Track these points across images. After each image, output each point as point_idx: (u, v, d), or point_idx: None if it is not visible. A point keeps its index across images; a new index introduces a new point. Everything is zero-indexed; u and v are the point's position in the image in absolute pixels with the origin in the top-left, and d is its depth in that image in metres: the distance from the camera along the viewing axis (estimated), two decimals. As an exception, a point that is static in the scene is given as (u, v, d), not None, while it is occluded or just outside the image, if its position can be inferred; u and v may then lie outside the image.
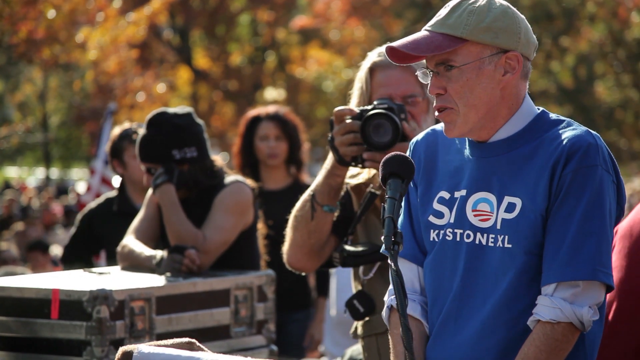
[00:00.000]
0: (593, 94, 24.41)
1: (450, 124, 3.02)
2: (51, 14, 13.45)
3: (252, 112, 6.71)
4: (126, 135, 6.19)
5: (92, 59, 16.10)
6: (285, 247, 4.08)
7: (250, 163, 6.52)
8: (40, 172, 38.74)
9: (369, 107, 3.92)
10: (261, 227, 5.52)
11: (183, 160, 4.99)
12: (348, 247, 3.96)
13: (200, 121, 5.10)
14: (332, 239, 4.04)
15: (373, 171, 3.99)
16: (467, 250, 3.01)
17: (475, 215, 3.01)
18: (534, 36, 3.06)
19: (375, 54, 4.07)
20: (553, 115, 3.06)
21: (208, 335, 4.47)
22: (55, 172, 39.70)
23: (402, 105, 3.95)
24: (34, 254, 10.53)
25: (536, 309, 2.92)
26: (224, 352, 4.46)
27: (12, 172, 41.54)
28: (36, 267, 10.11)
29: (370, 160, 3.87)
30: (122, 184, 6.26)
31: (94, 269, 4.77)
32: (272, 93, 28.85)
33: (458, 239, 3.03)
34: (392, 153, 2.97)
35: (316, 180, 4.00)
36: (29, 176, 40.19)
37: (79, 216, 6.42)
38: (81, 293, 4.19)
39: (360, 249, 3.94)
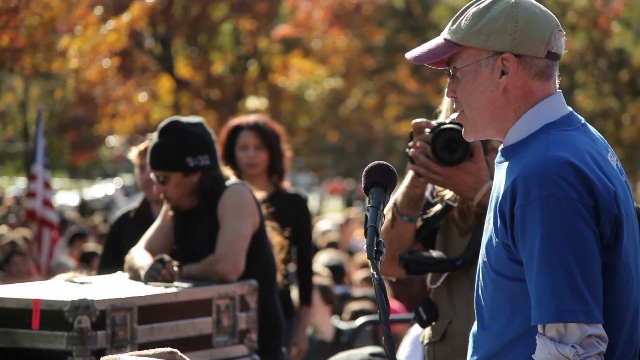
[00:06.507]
0: (574, 103, 24.48)
1: (464, 127, 2.97)
2: (32, 21, 13.39)
3: (234, 122, 6.70)
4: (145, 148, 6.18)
5: (73, 68, 16.04)
6: None
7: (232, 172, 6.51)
8: (21, 182, 38.54)
9: (447, 120, 3.91)
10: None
11: (197, 167, 4.94)
12: (421, 253, 3.97)
13: (211, 130, 5.07)
14: (417, 246, 4.06)
15: None
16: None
17: None
18: (546, 30, 2.87)
19: None
20: (555, 133, 2.85)
21: (190, 345, 4.46)
22: (36, 182, 39.45)
23: None
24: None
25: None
26: (206, 362, 4.45)
27: (-8, 181, 41.36)
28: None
29: (430, 173, 3.86)
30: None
31: (75, 279, 4.75)
32: (254, 102, 28.80)
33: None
34: (375, 162, 2.95)
35: (399, 189, 4.00)
36: (9, 186, 40.00)
37: (111, 222, 6.57)
38: (62, 303, 4.17)
39: (426, 255, 3.95)
